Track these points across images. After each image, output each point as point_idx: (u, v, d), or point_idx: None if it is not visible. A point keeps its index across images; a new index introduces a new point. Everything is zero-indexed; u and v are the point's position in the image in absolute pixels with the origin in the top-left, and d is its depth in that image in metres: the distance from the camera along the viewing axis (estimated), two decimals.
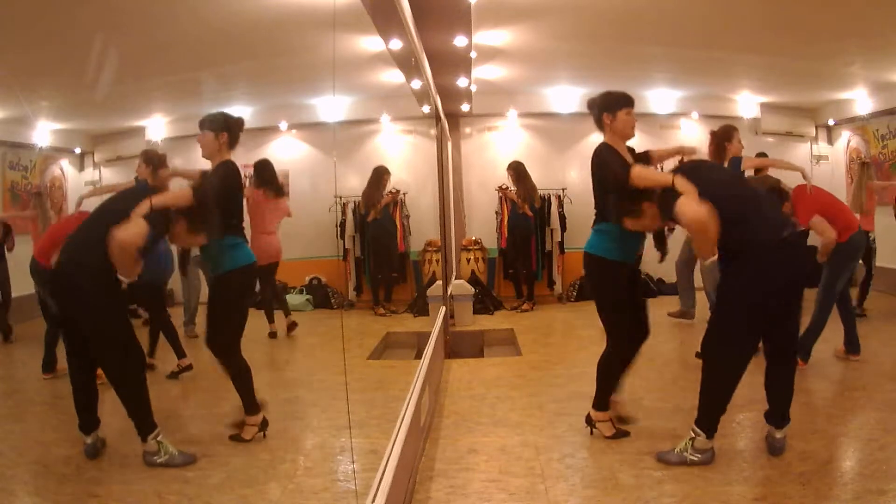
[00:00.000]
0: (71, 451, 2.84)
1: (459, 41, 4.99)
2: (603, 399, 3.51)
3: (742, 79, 7.52)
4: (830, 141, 9.02)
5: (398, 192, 7.20)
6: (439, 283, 6.46)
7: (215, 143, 2.99)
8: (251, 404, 3.00)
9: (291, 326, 4.15)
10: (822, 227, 4.47)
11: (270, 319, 4.09)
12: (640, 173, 3.24)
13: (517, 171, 7.51)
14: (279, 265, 4.35)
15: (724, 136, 4.55)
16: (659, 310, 6.12)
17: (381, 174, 6.68)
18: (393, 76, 4.88)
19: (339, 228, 6.82)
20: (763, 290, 2.95)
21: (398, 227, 7.25)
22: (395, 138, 7.81)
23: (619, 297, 3.39)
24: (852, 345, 4.78)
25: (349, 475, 2.88)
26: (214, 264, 2.99)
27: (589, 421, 3.53)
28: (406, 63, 4.47)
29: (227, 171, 3.02)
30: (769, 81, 7.63)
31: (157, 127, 3.36)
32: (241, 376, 3.04)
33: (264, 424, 3.01)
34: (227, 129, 2.96)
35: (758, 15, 5.03)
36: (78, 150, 2.77)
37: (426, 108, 6.14)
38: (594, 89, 8.42)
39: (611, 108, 3.43)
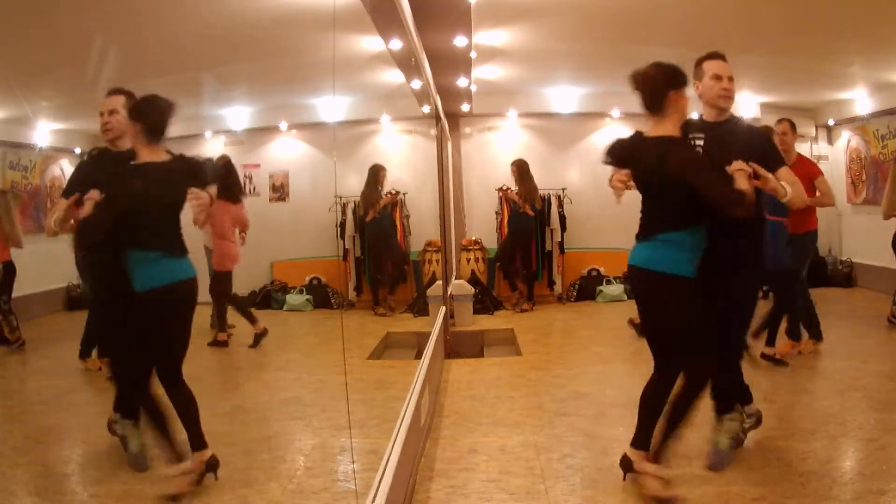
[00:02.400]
0: (71, 452, 2.84)
1: (459, 41, 4.99)
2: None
3: (742, 79, 7.46)
4: (830, 141, 9.01)
5: (398, 192, 7.19)
6: (439, 283, 6.46)
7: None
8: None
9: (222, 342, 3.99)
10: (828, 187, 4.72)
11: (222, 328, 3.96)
12: None
13: (520, 168, 7.50)
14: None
15: None
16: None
17: (376, 172, 6.68)
18: (393, 76, 4.88)
19: (339, 228, 6.82)
20: None
21: (398, 227, 7.25)
22: (395, 138, 7.82)
23: None
24: (793, 334, 4.83)
25: (349, 475, 2.88)
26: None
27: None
28: (406, 63, 4.47)
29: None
30: (769, 81, 7.63)
31: None
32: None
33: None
34: None
35: (758, 15, 5.03)
36: (78, 150, 2.76)
37: (426, 108, 6.14)
38: (594, 89, 8.50)
39: None
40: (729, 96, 3.07)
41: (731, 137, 3.00)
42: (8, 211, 2.59)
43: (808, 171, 4.72)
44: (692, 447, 3.25)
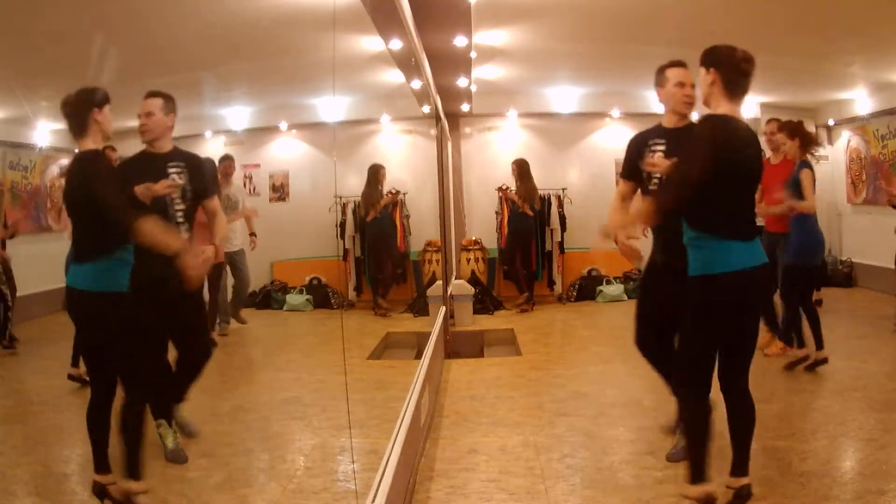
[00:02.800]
0: (71, 452, 2.84)
1: (459, 41, 4.99)
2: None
3: None
4: (830, 141, 9.01)
5: (398, 192, 7.20)
6: (439, 283, 6.46)
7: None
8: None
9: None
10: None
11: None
12: None
13: (521, 167, 7.51)
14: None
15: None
16: None
17: (376, 171, 6.69)
18: (393, 76, 4.89)
19: (339, 228, 6.82)
20: None
21: (398, 227, 7.25)
22: (395, 138, 7.82)
23: None
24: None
25: (349, 475, 2.89)
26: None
27: None
28: (406, 63, 4.47)
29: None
30: (769, 81, 7.62)
31: None
32: None
33: None
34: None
35: (757, 15, 5.03)
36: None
37: (426, 108, 6.14)
38: (594, 89, 8.48)
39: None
40: (691, 102, 3.12)
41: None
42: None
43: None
44: None
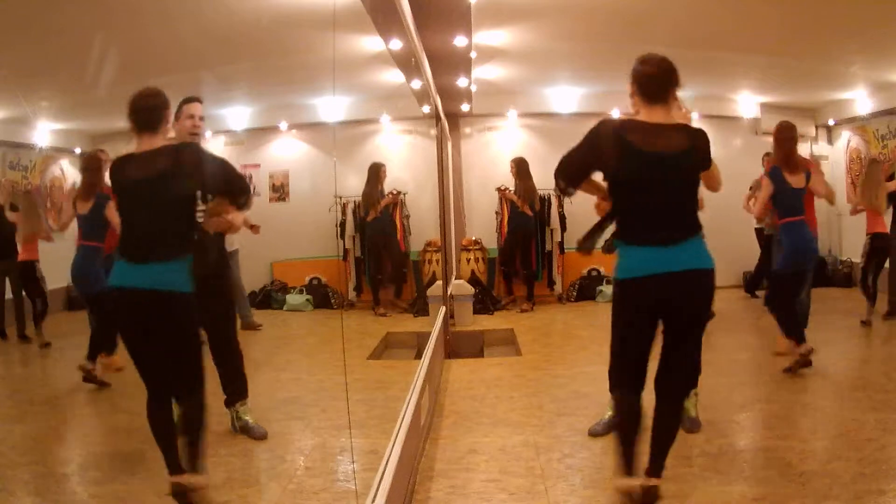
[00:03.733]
0: (71, 452, 2.84)
1: (459, 41, 4.99)
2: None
3: (742, 79, 7.51)
4: (830, 141, 9.02)
5: (398, 192, 7.20)
6: (439, 283, 6.46)
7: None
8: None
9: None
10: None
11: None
12: None
13: (519, 166, 7.51)
14: None
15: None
16: None
17: (376, 170, 6.70)
18: (393, 76, 4.89)
19: (339, 228, 6.83)
20: None
21: (398, 227, 7.25)
22: (395, 138, 7.82)
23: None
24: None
25: (349, 475, 2.89)
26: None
27: None
28: (406, 63, 4.47)
29: None
30: (769, 81, 7.63)
31: None
32: None
33: None
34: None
35: (758, 15, 5.03)
36: (78, 150, 2.77)
37: (426, 108, 6.14)
38: (594, 89, 8.48)
39: None
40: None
41: None
42: (34, 208, 2.61)
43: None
44: (692, 447, 3.26)
